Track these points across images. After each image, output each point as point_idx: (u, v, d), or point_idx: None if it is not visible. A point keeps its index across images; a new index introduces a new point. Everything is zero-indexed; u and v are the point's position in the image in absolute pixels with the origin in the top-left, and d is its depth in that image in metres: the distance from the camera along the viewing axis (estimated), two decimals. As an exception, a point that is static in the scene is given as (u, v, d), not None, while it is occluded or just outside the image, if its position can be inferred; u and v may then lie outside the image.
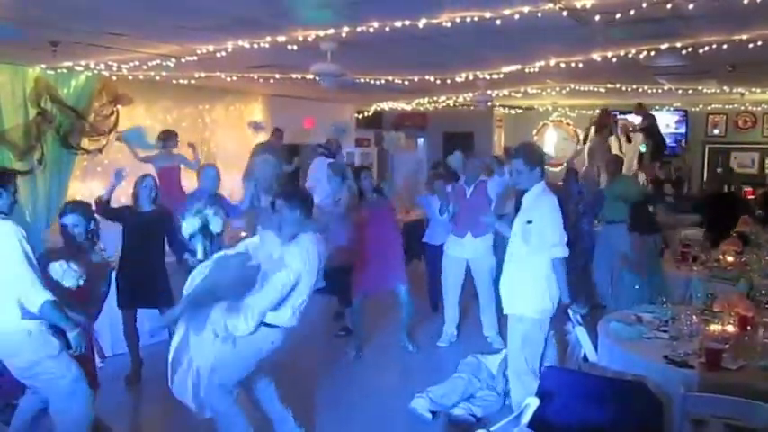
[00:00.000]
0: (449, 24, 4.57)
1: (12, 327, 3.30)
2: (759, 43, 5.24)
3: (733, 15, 4.59)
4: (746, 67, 6.78)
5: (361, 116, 12.93)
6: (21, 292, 3.26)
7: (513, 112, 13.51)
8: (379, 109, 12.93)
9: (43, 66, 6.51)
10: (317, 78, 5.78)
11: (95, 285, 3.92)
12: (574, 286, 4.36)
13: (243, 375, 3.80)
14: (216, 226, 4.25)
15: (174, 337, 3.83)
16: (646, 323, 4.15)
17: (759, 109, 11.89)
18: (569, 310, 4.28)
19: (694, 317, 4.01)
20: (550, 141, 13.44)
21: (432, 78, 7.84)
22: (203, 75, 7.36)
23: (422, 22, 4.58)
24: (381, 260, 5.78)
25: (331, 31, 4.91)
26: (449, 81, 7.90)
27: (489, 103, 9.45)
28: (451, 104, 11.56)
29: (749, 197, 11.48)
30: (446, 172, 7.34)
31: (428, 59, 6.57)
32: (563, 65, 6.56)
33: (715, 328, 3.96)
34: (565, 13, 4.32)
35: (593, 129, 10.51)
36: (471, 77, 7.68)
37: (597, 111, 10.77)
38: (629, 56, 5.94)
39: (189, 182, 7.20)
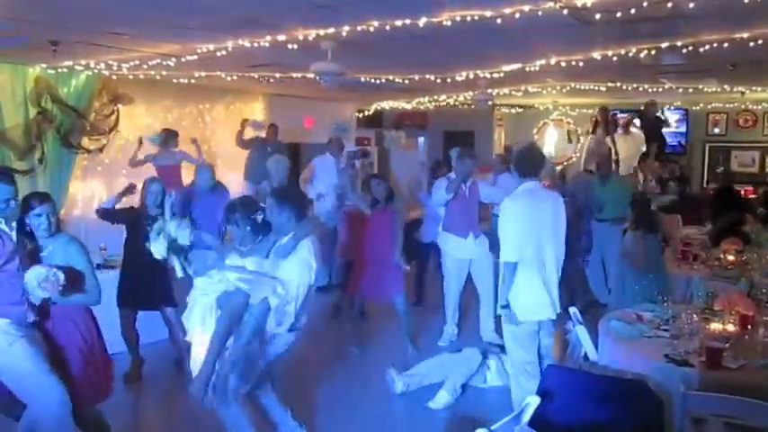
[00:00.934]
0: (449, 23, 4.57)
1: None
2: (760, 42, 5.23)
3: (733, 14, 4.59)
4: (747, 66, 6.78)
5: (361, 115, 12.93)
6: None
7: (513, 110, 13.51)
8: (379, 108, 12.93)
9: (44, 65, 6.52)
10: (318, 77, 5.77)
11: None
12: (572, 285, 4.39)
13: (252, 377, 3.79)
14: (183, 239, 3.97)
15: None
16: (646, 322, 4.14)
17: (759, 108, 11.88)
18: (570, 309, 4.31)
19: (695, 316, 4.00)
20: (551, 140, 13.43)
21: (432, 77, 7.84)
22: (203, 74, 7.37)
23: (422, 21, 4.57)
24: (379, 269, 5.75)
25: (331, 29, 4.91)
26: (449, 80, 7.90)
27: (490, 102, 9.44)
28: (452, 103, 11.56)
29: (750, 196, 11.53)
30: (447, 169, 7.38)
31: (428, 58, 6.57)
32: (563, 63, 6.56)
33: (716, 326, 3.96)
34: (565, 12, 4.32)
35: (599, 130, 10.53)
36: (472, 76, 7.67)
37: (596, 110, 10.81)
38: (630, 54, 5.93)
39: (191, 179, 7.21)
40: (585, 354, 4.15)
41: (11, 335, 3.34)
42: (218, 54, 5.76)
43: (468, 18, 4.46)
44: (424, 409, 4.80)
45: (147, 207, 5.17)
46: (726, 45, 5.37)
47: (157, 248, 3.85)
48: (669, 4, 4.17)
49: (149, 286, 5.11)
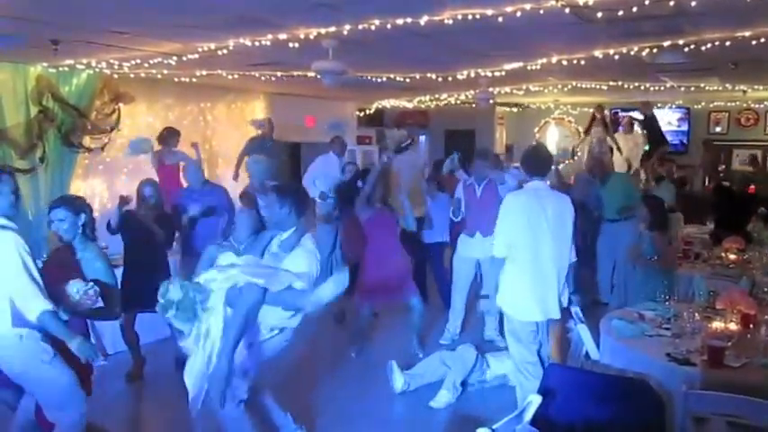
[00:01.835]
0: (451, 22, 4.56)
1: (3, 332, 3.27)
2: (762, 40, 5.22)
3: (736, 12, 4.58)
4: (749, 65, 6.76)
5: (362, 114, 12.92)
6: (20, 304, 3.23)
7: (514, 109, 13.50)
8: (380, 107, 12.92)
9: (45, 64, 6.51)
10: (319, 76, 5.77)
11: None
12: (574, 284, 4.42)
13: (252, 374, 3.78)
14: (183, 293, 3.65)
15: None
16: (648, 321, 4.14)
17: (761, 106, 11.86)
18: (571, 308, 4.31)
19: (696, 314, 4.01)
20: (552, 139, 13.42)
21: (433, 76, 7.83)
22: (205, 73, 7.36)
23: (423, 20, 4.57)
24: (390, 273, 5.64)
25: (332, 28, 4.90)
26: (450, 78, 7.90)
27: (491, 101, 9.42)
28: (453, 102, 11.55)
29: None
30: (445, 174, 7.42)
31: (430, 57, 6.56)
32: (565, 62, 6.55)
33: (717, 325, 3.96)
34: (567, 10, 4.31)
35: (593, 130, 10.54)
36: (473, 75, 7.66)
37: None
38: (632, 53, 5.92)
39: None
40: (587, 352, 4.15)
41: (49, 347, 3.33)
42: (220, 53, 5.75)
43: (470, 16, 4.45)
44: (425, 408, 4.80)
45: (141, 207, 5.18)
46: (728, 43, 5.36)
47: (167, 312, 3.55)
48: (671, 3, 4.15)
49: (148, 287, 5.11)
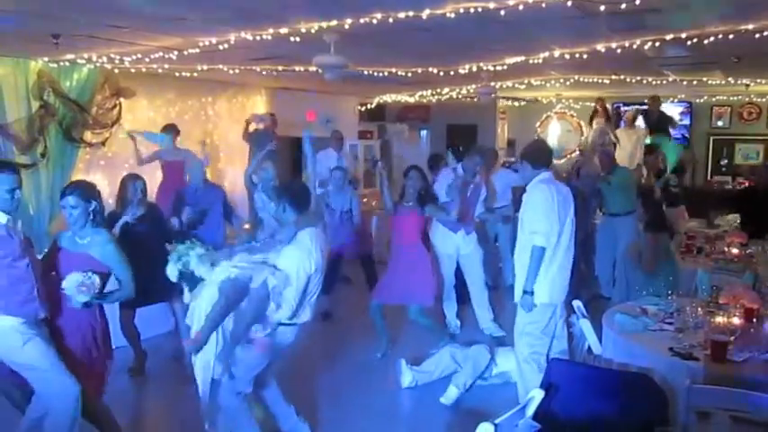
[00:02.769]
0: (452, 15, 4.54)
1: None
2: (765, 33, 5.19)
3: (739, 6, 4.56)
4: (752, 58, 6.73)
5: (364, 109, 12.90)
6: None
7: (516, 104, 13.46)
8: (381, 101, 12.90)
9: (45, 59, 6.50)
10: (320, 70, 5.76)
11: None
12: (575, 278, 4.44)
13: (256, 372, 3.79)
14: (201, 271, 3.80)
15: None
16: (651, 315, 4.14)
17: (764, 100, 11.84)
18: (573, 303, 4.31)
19: (699, 309, 4.00)
20: (554, 133, 13.40)
21: (435, 70, 7.81)
22: (206, 67, 7.34)
23: (425, 14, 4.55)
24: (409, 274, 5.47)
25: (334, 22, 4.88)
26: (452, 73, 7.87)
27: (493, 96, 9.40)
28: (455, 96, 11.53)
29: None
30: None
31: (431, 51, 6.54)
32: (567, 56, 6.52)
33: (720, 320, 3.95)
34: (569, 3, 4.28)
35: (595, 122, 10.52)
36: (475, 69, 7.64)
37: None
38: (634, 47, 5.90)
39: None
40: (589, 347, 4.15)
41: (24, 334, 3.37)
42: (221, 47, 5.73)
43: (472, 10, 4.43)
44: (429, 402, 4.81)
45: (130, 205, 5.13)
46: (731, 37, 5.33)
47: (171, 270, 3.77)
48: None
49: (146, 283, 5.10)
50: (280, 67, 7.51)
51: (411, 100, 12.52)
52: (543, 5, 4.27)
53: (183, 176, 7.11)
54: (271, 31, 5.19)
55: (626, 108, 11.45)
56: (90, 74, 6.91)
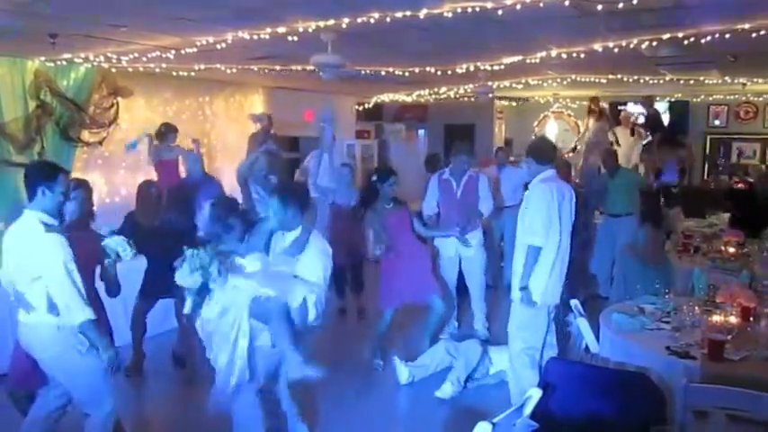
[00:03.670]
0: (450, 15, 4.54)
1: (39, 320, 3.28)
2: (761, 33, 5.20)
3: (735, 5, 4.57)
4: (748, 57, 6.75)
5: (361, 108, 12.89)
6: (62, 308, 3.23)
7: (513, 103, 13.47)
8: (379, 101, 12.89)
9: (42, 58, 6.49)
10: (318, 70, 5.75)
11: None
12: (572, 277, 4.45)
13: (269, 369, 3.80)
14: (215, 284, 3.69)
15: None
16: (648, 314, 4.14)
17: (761, 99, 11.86)
18: (571, 302, 4.32)
19: (696, 308, 4.00)
20: (551, 133, 13.41)
21: (432, 69, 7.81)
22: (203, 67, 7.33)
23: (423, 13, 4.55)
24: (409, 271, 5.39)
25: (331, 21, 4.88)
26: (449, 72, 7.87)
27: (490, 95, 9.41)
28: (452, 96, 11.53)
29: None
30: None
31: (429, 50, 6.54)
32: (564, 55, 6.53)
33: (717, 319, 3.95)
34: (567, 3, 4.29)
35: (591, 120, 10.53)
36: (472, 68, 7.64)
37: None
38: (631, 46, 5.91)
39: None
40: (587, 346, 4.15)
41: (84, 342, 3.33)
42: (218, 46, 5.73)
43: (469, 9, 4.43)
44: (427, 401, 4.82)
45: (146, 210, 5.15)
46: (727, 36, 5.35)
47: (182, 278, 3.59)
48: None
49: (168, 275, 5.10)
50: (277, 67, 7.50)
51: (408, 99, 12.52)
52: (541, 5, 4.28)
53: (177, 175, 7.11)
54: (268, 30, 5.18)
55: (622, 107, 11.46)
56: (87, 73, 6.90)
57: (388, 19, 4.69)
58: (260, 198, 5.95)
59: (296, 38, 5.28)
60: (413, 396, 4.99)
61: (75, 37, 5.42)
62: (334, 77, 5.92)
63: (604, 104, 10.89)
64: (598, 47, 6.10)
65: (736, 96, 11.78)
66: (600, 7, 4.41)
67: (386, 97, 12.45)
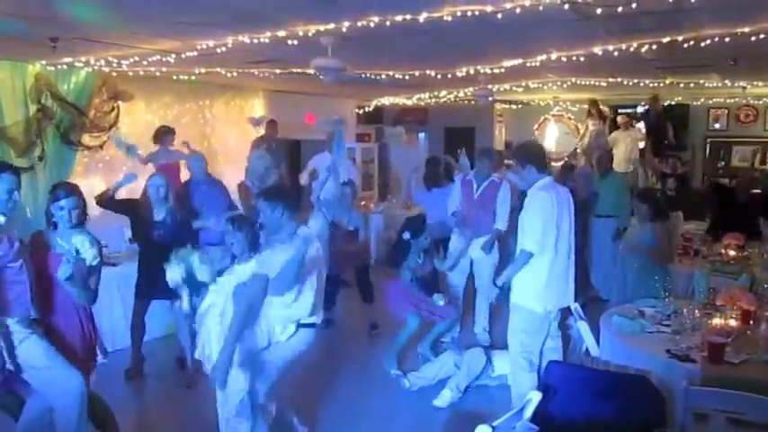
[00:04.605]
0: (450, 18, 4.55)
1: None
2: (761, 36, 5.21)
3: (735, 8, 4.57)
4: (748, 61, 6.75)
5: (361, 111, 12.91)
6: None
7: (513, 106, 13.48)
8: (379, 104, 12.91)
9: (43, 62, 6.50)
10: (318, 73, 5.76)
11: None
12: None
13: (273, 381, 3.76)
14: (203, 275, 3.86)
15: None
16: (648, 317, 4.14)
17: (761, 103, 11.84)
18: (570, 305, 4.32)
19: (696, 311, 4.00)
20: (551, 136, 13.41)
21: (432, 73, 7.82)
22: (203, 70, 7.35)
23: (423, 17, 4.56)
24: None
25: (331, 25, 4.89)
26: (449, 75, 7.88)
27: (490, 98, 9.41)
28: (452, 99, 11.54)
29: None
30: (442, 171, 7.35)
31: (429, 54, 6.55)
32: (564, 59, 6.54)
33: (717, 322, 3.95)
34: (566, 7, 4.30)
35: (590, 122, 10.54)
36: (472, 72, 7.65)
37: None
38: (631, 49, 5.91)
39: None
40: (587, 349, 4.15)
41: (20, 332, 3.37)
42: (218, 50, 5.74)
43: (469, 13, 4.44)
44: (428, 405, 4.81)
45: (152, 201, 5.15)
46: (727, 40, 5.35)
47: (173, 274, 3.78)
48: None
49: (163, 275, 5.11)
50: (277, 70, 7.51)
51: (409, 103, 12.53)
52: (540, 8, 4.28)
53: (179, 177, 7.12)
54: (268, 34, 5.19)
55: (623, 110, 11.46)
56: (88, 77, 6.91)
57: (387, 23, 4.70)
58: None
59: (296, 41, 5.29)
60: (413, 400, 4.98)
61: (75, 41, 5.43)
62: (334, 81, 5.93)
63: (604, 108, 10.89)
64: (598, 50, 6.11)
65: (737, 100, 11.78)
66: (599, 11, 4.41)
67: (386, 100, 12.47)
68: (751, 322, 3.96)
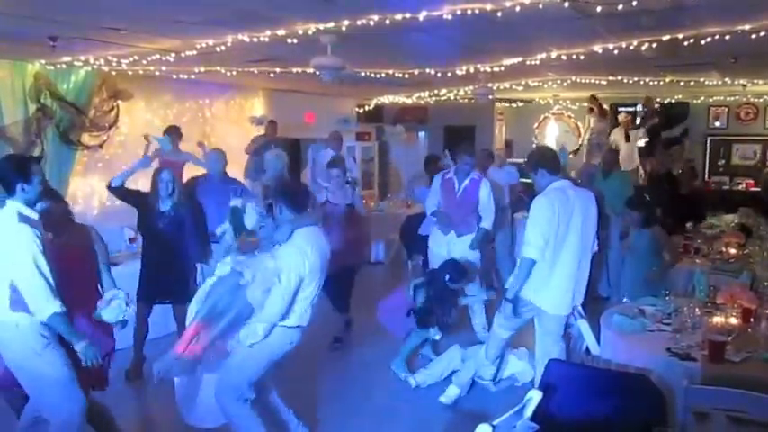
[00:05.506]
0: (450, 17, 4.55)
1: (0, 317, 3.22)
2: (762, 34, 5.21)
3: (735, 6, 4.57)
4: (748, 59, 6.75)
5: (361, 110, 12.91)
6: (30, 301, 3.16)
7: (514, 105, 13.48)
8: (379, 103, 12.91)
9: (43, 61, 6.50)
10: (317, 72, 5.75)
11: None
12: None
13: (256, 377, 3.74)
14: (250, 221, 4.05)
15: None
16: (648, 316, 4.13)
17: (761, 101, 11.85)
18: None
19: (697, 309, 3.99)
20: (552, 135, 13.42)
21: (432, 71, 7.82)
22: (203, 69, 7.35)
23: (422, 15, 4.56)
24: None
25: (331, 24, 4.89)
26: (449, 74, 7.88)
27: (490, 97, 9.40)
28: (452, 98, 11.54)
29: (751, 189, 11.53)
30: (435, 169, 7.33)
31: (429, 52, 6.55)
32: (564, 57, 6.54)
33: (718, 320, 3.95)
34: (566, 5, 4.29)
35: (592, 119, 10.54)
36: (472, 70, 7.65)
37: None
38: (631, 48, 5.91)
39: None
40: (587, 348, 4.15)
41: (45, 338, 3.25)
42: (218, 49, 5.74)
43: (469, 11, 4.44)
44: (429, 403, 4.81)
45: (160, 196, 5.14)
46: (727, 37, 5.35)
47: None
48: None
49: (168, 278, 5.09)
50: (277, 69, 7.51)
51: (409, 101, 12.54)
52: (540, 7, 4.28)
53: (180, 177, 7.09)
54: (268, 33, 5.19)
55: (623, 109, 11.46)
56: (87, 76, 6.91)
57: (387, 21, 4.70)
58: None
59: (296, 40, 5.29)
60: (414, 398, 4.98)
61: (75, 40, 5.43)
62: (334, 80, 5.92)
63: (605, 105, 10.89)
64: (598, 48, 6.10)
65: (737, 98, 11.78)
66: (599, 9, 4.41)
67: (386, 99, 12.47)
68: (751, 320, 3.95)
